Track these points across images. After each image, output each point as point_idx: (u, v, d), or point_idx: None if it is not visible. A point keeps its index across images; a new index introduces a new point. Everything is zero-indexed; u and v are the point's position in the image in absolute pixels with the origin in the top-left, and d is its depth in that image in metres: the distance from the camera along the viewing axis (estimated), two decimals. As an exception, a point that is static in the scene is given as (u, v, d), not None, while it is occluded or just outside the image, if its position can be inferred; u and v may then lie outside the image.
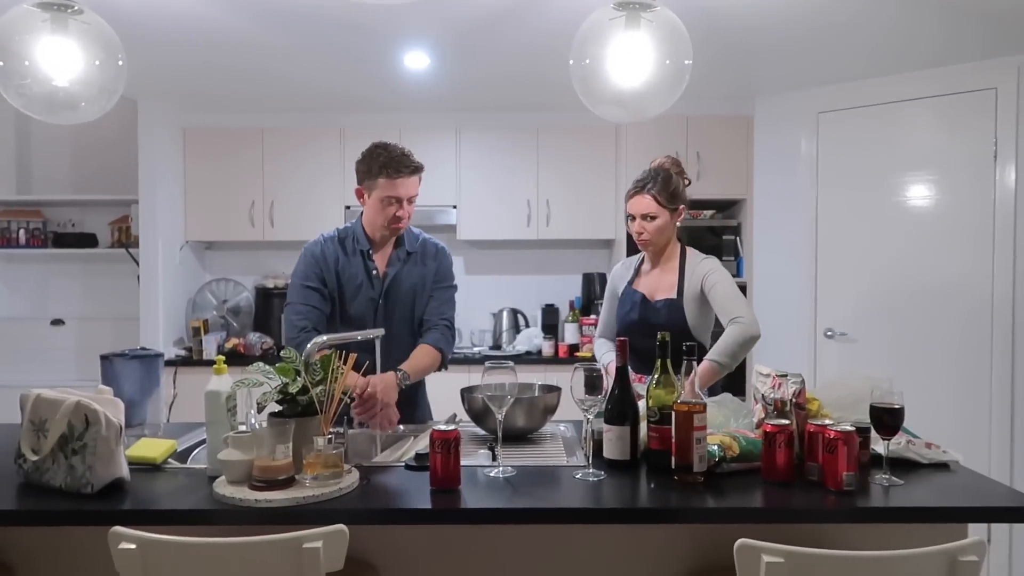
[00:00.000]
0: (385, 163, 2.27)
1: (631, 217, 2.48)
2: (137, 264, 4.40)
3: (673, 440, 1.67)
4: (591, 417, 1.76)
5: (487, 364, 1.77)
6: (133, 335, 4.39)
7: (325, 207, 4.52)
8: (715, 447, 1.69)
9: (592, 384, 1.72)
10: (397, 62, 3.59)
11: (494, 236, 4.60)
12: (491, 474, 1.74)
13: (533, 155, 4.54)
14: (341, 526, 1.37)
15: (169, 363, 4.18)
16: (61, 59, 2.02)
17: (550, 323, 4.67)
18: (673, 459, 1.67)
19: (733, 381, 2.31)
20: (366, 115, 4.56)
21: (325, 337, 1.95)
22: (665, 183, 2.42)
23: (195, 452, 2.01)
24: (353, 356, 1.77)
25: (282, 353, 1.75)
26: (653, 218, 2.43)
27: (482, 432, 2.16)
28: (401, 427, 2.25)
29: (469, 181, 4.55)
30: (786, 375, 1.80)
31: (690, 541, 1.70)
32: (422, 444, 1.93)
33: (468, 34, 3.21)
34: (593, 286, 4.65)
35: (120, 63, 2.09)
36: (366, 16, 2.96)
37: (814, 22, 3.06)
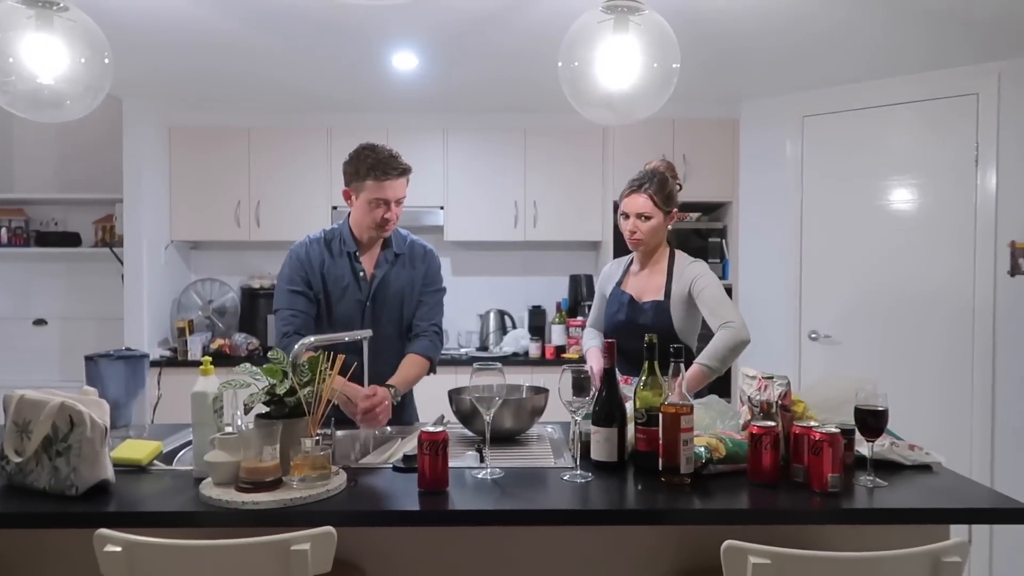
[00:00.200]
0: (373, 165, 2.27)
1: (625, 215, 2.48)
2: (121, 264, 4.36)
3: (660, 442, 1.68)
4: (579, 419, 1.77)
5: (475, 365, 1.77)
6: (117, 335, 4.35)
7: (311, 207, 4.50)
8: (702, 449, 1.70)
9: (580, 386, 1.73)
10: (385, 63, 3.58)
11: (481, 237, 4.60)
12: (479, 476, 1.74)
13: (521, 156, 4.55)
14: (329, 528, 1.37)
15: (154, 364, 4.14)
16: (46, 56, 1.99)
17: (537, 324, 4.68)
18: (660, 461, 1.68)
19: (719, 383, 2.33)
20: (353, 115, 4.54)
21: (312, 338, 1.94)
22: (661, 185, 2.44)
23: (181, 454, 2.00)
24: (341, 357, 1.77)
25: (269, 354, 1.74)
26: (648, 218, 2.43)
27: (470, 434, 2.16)
28: (389, 428, 2.25)
29: (456, 182, 4.54)
30: (772, 377, 1.81)
31: (677, 542, 1.70)
32: (410, 446, 1.93)
33: (456, 36, 3.21)
34: (580, 288, 4.66)
35: (106, 61, 2.07)
36: (354, 17, 2.95)
37: (801, 28, 3.08)
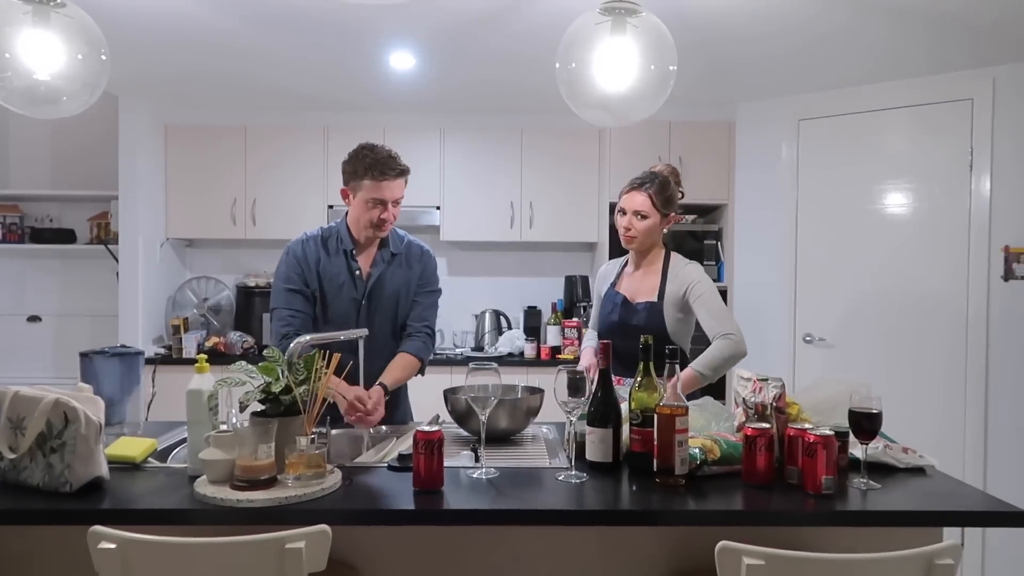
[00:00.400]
0: (371, 165, 2.27)
1: (622, 212, 2.47)
2: (116, 261, 4.35)
3: (655, 443, 1.69)
4: (574, 419, 1.77)
5: (471, 365, 1.77)
6: (112, 332, 4.34)
7: (308, 206, 4.49)
8: (696, 450, 1.70)
9: (575, 386, 1.73)
10: (382, 62, 3.58)
11: (477, 237, 4.60)
12: (474, 475, 1.74)
13: (517, 157, 4.55)
14: (324, 527, 1.37)
15: (149, 361, 4.13)
16: (43, 52, 1.98)
17: (532, 325, 4.67)
18: (655, 461, 1.69)
19: (714, 385, 2.33)
20: (350, 114, 4.54)
21: (308, 337, 1.94)
22: (662, 187, 2.44)
23: (175, 451, 2.00)
24: (337, 356, 1.77)
25: (265, 352, 1.74)
26: (644, 217, 2.43)
27: (465, 433, 2.17)
28: (383, 427, 2.25)
29: (453, 182, 4.54)
30: (767, 379, 1.82)
31: (671, 543, 1.71)
32: (405, 445, 1.93)
33: (454, 36, 3.21)
34: (575, 289, 4.67)
35: (103, 58, 2.07)
36: (351, 16, 2.95)
37: (797, 33, 3.09)
